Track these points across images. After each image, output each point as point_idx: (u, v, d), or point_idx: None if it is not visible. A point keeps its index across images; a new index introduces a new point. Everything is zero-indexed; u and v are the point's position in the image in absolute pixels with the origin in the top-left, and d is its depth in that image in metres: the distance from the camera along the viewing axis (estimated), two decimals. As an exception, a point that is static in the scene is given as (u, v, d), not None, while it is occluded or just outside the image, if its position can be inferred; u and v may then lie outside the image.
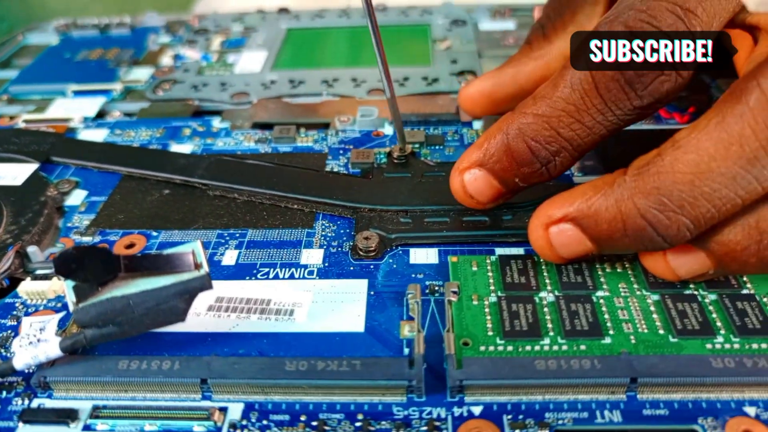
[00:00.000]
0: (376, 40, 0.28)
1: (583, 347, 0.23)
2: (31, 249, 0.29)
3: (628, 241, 0.23)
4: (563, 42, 0.31)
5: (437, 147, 0.35)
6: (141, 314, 0.22)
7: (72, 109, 0.41)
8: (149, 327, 0.23)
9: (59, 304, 0.27)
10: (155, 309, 0.22)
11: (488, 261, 0.27)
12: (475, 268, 0.26)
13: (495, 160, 0.25)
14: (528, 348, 0.23)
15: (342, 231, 0.29)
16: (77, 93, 0.43)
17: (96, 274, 0.22)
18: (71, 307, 0.22)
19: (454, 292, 0.25)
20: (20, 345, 0.23)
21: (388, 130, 0.37)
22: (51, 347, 0.23)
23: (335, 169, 0.33)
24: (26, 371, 0.23)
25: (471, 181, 0.26)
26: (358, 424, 0.21)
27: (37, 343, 0.23)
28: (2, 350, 0.25)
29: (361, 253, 0.28)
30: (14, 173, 0.34)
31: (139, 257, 0.22)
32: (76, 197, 0.33)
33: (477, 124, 0.37)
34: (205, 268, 0.22)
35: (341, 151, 0.35)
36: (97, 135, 0.38)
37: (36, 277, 0.28)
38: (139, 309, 0.22)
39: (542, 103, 0.24)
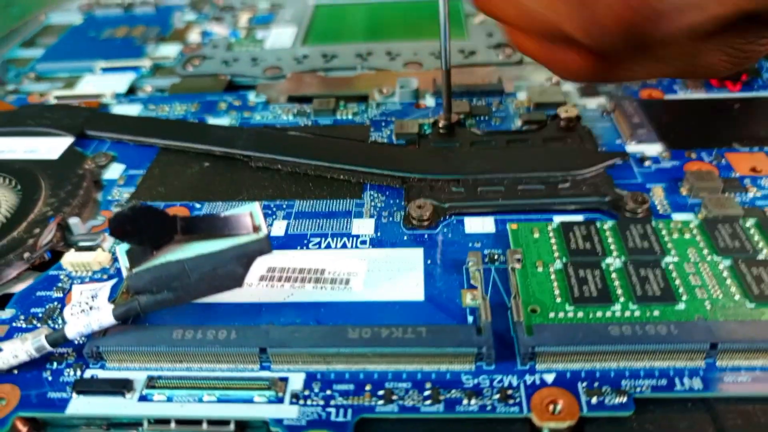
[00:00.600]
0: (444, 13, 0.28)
1: (656, 313, 0.22)
2: (73, 221, 0.28)
3: None
4: None
5: (482, 117, 0.34)
6: (197, 279, 0.21)
7: (102, 85, 0.40)
8: (205, 293, 0.22)
9: (105, 276, 0.26)
10: (212, 273, 0.22)
11: (549, 228, 0.26)
12: (536, 235, 0.25)
13: None
14: (599, 314, 0.22)
15: (392, 201, 0.29)
16: (105, 70, 0.42)
17: (152, 237, 0.21)
18: (124, 273, 0.22)
19: (518, 259, 0.24)
20: (72, 313, 0.22)
21: (429, 101, 0.36)
22: (104, 315, 0.22)
23: (379, 141, 0.32)
24: (77, 341, 0.23)
25: None
26: (426, 392, 0.21)
27: (89, 311, 0.22)
28: (50, 321, 0.24)
29: (414, 222, 0.27)
30: (49, 147, 0.33)
31: (196, 219, 0.21)
32: (114, 171, 0.32)
33: (521, 95, 0.36)
34: (264, 231, 0.22)
35: (383, 123, 0.34)
36: (131, 110, 0.37)
37: (79, 249, 0.27)
38: (195, 274, 0.21)
39: None
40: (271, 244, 0.22)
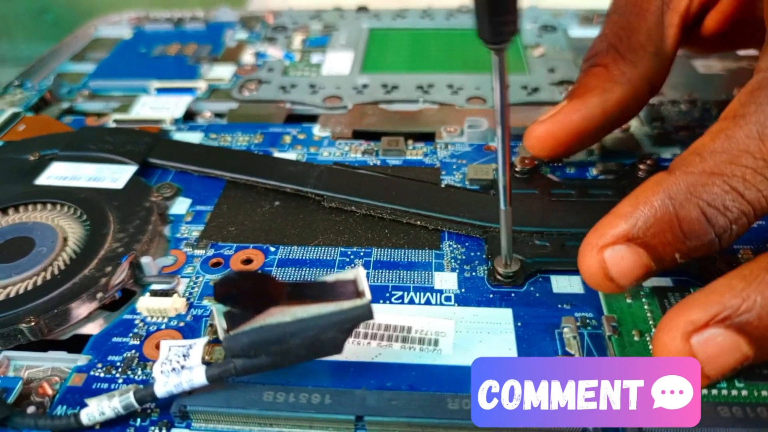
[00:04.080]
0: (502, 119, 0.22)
1: (765, 392, 0.21)
2: (145, 260, 0.28)
3: None
4: (647, 62, 0.28)
5: (556, 164, 0.33)
6: (296, 345, 0.21)
7: (158, 107, 0.39)
8: (303, 358, 0.21)
9: (182, 323, 0.25)
10: (312, 339, 0.21)
11: (642, 293, 0.25)
12: (629, 300, 0.25)
13: (653, 232, 0.21)
14: (704, 392, 0.21)
15: (472, 254, 0.28)
16: (161, 90, 0.42)
17: (256, 303, 0.20)
18: (221, 335, 0.21)
19: (614, 327, 0.24)
20: (161, 371, 0.22)
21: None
22: (196, 375, 0.21)
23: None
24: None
25: (615, 260, 0.21)
26: (533, 471, 0.20)
27: (180, 369, 0.21)
28: (129, 372, 0.24)
29: (500, 278, 0.26)
30: (113, 175, 0.32)
31: (302, 285, 0.21)
32: (180, 205, 0.32)
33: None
34: (368, 297, 0.21)
35: (454, 166, 0.33)
36: (191, 138, 0.37)
37: (155, 293, 0.27)
38: (295, 339, 0.21)
39: (716, 159, 0.21)
40: (372, 311, 0.21)
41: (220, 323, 0.21)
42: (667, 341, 0.20)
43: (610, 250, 0.22)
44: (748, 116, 0.21)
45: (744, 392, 0.21)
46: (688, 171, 0.21)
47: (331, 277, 0.21)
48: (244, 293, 0.20)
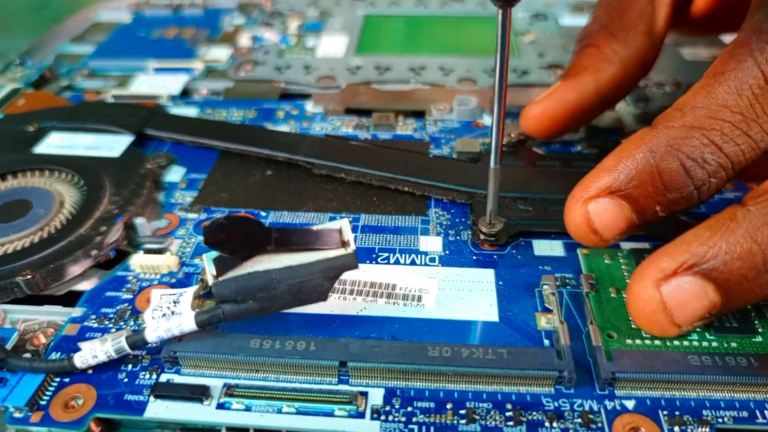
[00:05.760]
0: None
1: (734, 344, 0.22)
2: (140, 221, 0.28)
3: (766, 279, 0.20)
4: (639, 42, 0.29)
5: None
6: (283, 291, 0.22)
7: (155, 85, 0.40)
8: (289, 305, 0.22)
9: (173, 280, 0.26)
10: (298, 286, 0.22)
11: (619, 254, 0.26)
12: (608, 261, 0.26)
13: (635, 184, 0.22)
14: (676, 342, 0.22)
15: (457, 220, 0.29)
16: (158, 70, 0.42)
17: (245, 247, 0.21)
18: (210, 280, 0.22)
19: (592, 284, 0.24)
20: (152, 317, 0.22)
21: (487, 120, 0.36)
22: (186, 321, 0.22)
23: (439, 158, 0.33)
24: (154, 344, 0.23)
25: (599, 212, 0.22)
26: (508, 413, 0.21)
27: (170, 315, 0.22)
28: (121, 323, 0.24)
29: (483, 237, 0.27)
30: (110, 144, 0.33)
31: (288, 231, 0.22)
32: (175, 173, 0.32)
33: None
34: (352, 246, 0.22)
35: (443, 140, 0.34)
36: (187, 112, 0.38)
37: (148, 251, 0.27)
38: (282, 285, 0.22)
39: (696, 113, 0.21)
40: (357, 259, 0.22)
41: (209, 269, 0.22)
42: (639, 290, 0.21)
43: (594, 203, 0.22)
44: (727, 73, 0.21)
45: (714, 344, 0.22)
46: (669, 125, 0.22)
47: (318, 227, 0.22)
48: (233, 238, 0.21)
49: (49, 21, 0.74)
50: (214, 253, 0.22)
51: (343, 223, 0.22)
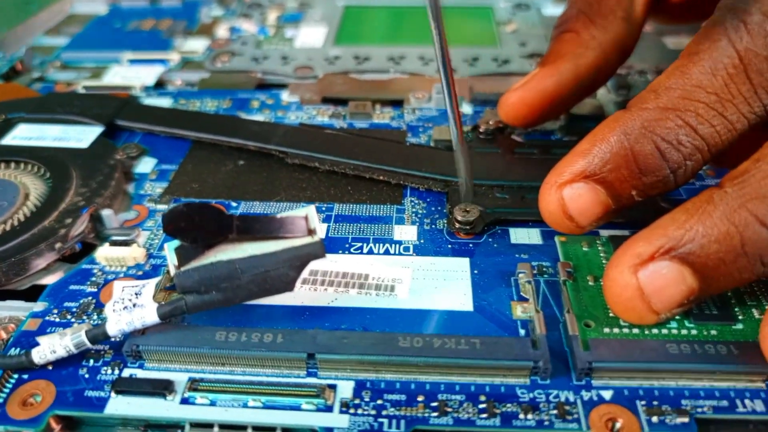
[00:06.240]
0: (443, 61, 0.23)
1: (713, 332, 0.22)
2: (106, 212, 0.28)
3: (743, 263, 0.19)
4: (617, 27, 0.28)
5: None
6: (247, 281, 0.21)
7: (130, 77, 0.39)
8: (255, 296, 0.21)
9: (140, 272, 0.25)
10: (263, 276, 0.21)
11: (598, 242, 0.25)
12: (585, 248, 0.25)
13: (610, 168, 0.21)
14: (654, 331, 0.22)
15: (433, 208, 0.28)
16: (133, 61, 0.42)
17: (206, 235, 0.20)
18: (172, 270, 0.21)
19: (569, 272, 0.24)
20: (114, 310, 0.22)
21: (466, 108, 0.35)
22: (148, 313, 0.21)
23: (416, 146, 0.32)
24: (116, 338, 0.22)
25: (573, 197, 0.22)
26: (481, 405, 0.20)
27: (132, 308, 0.21)
28: (84, 317, 0.24)
29: (459, 225, 0.26)
30: (79, 135, 0.32)
31: (251, 219, 0.21)
32: (146, 165, 0.32)
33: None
34: (320, 235, 0.21)
35: (420, 129, 0.33)
36: (161, 103, 0.37)
37: (114, 243, 0.27)
38: (246, 275, 0.21)
39: (670, 95, 0.21)
40: (324, 248, 0.21)
41: (171, 259, 0.21)
42: (616, 275, 0.20)
43: (568, 188, 0.22)
44: (701, 53, 0.21)
45: (693, 332, 0.22)
46: (643, 107, 0.21)
47: (283, 214, 0.21)
48: (194, 226, 0.20)
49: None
50: (177, 243, 0.21)
51: (309, 210, 0.21)
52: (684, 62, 0.21)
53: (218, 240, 0.20)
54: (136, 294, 0.22)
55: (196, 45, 0.43)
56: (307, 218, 0.21)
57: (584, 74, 0.28)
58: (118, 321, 0.21)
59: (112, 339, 0.22)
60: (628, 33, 0.29)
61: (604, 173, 0.21)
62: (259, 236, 0.21)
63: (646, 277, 0.20)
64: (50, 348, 0.21)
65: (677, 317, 0.22)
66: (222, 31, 0.46)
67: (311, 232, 0.21)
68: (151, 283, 0.22)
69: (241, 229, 0.20)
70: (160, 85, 0.39)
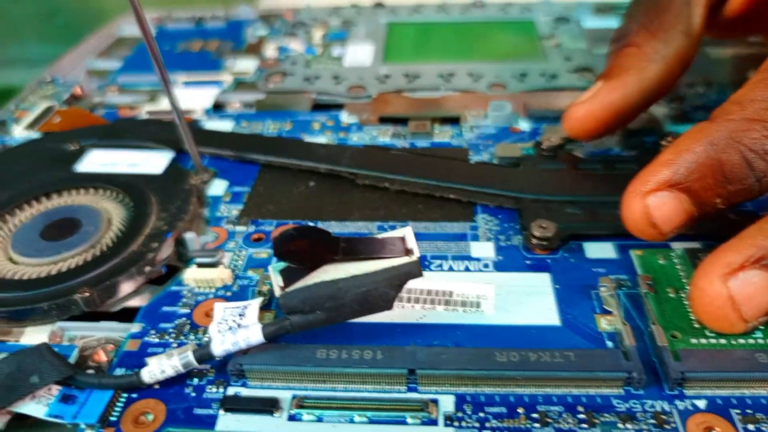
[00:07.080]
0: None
1: (799, 342, 0.22)
2: (189, 236, 0.28)
3: None
4: (679, 40, 0.29)
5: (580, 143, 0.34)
6: (350, 300, 0.22)
7: (186, 99, 0.40)
8: (356, 314, 0.22)
9: (228, 293, 0.26)
10: (364, 295, 0.22)
11: (672, 254, 0.26)
12: (662, 261, 0.26)
13: (695, 177, 0.22)
14: (741, 341, 0.22)
15: (506, 225, 0.29)
16: (187, 83, 0.43)
17: (314, 257, 0.21)
18: (277, 292, 0.22)
19: (650, 285, 0.24)
20: (218, 330, 0.22)
21: (523, 125, 0.36)
22: (252, 333, 0.22)
23: (479, 165, 0.33)
24: (220, 358, 0.23)
25: (658, 205, 0.22)
26: (581, 416, 0.21)
27: (236, 328, 0.22)
28: (182, 337, 0.24)
29: (536, 240, 0.27)
30: (151, 161, 0.34)
31: (355, 240, 0.22)
32: (217, 187, 0.33)
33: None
34: (416, 254, 0.22)
35: (481, 146, 0.34)
36: (223, 126, 0.38)
37: (200, 266, 0.28)
38: (348, 295, 0.22)
39: (755, 106, 0.22)
40: (421, 267, 0.22)
41: (277, 280, 0.22)
42: (705, 285, 0.21)
43: (653, 196, 0.23)
44: None
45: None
46: (729, 118, 0.22)
47: (382, 235, 0.22)
48: (302, 249, 0.21)
49: (60, 28, 0.74)
50: (281, 264, 0.22)
51: (407, 231, 0.22)
52: (767, 76, 0.22)
53: (324, 261, 0.21)
54: (239, 315, 0.23)
55: (247, 65, 0.45)
56: (404, 239, 0.22)
57: (649, 88, 0.29)
58: (223, 341, 0.22)
59: (216, 359, 0.23)
60: (689, 46, 0.30)
61: (690, 182, 0.22)
62: (357, 257, 0.22)
63: (737, 285, 0.21)
64: (159, 368, 0.22)
65: (761, 327, 0.22)
66: (270, 51, 0.47)
67: (408, 252, 0.22)
68: (255, 304, 0.23)
69: (346, 251, 0.21)
70: (218, 107, 0.40)
